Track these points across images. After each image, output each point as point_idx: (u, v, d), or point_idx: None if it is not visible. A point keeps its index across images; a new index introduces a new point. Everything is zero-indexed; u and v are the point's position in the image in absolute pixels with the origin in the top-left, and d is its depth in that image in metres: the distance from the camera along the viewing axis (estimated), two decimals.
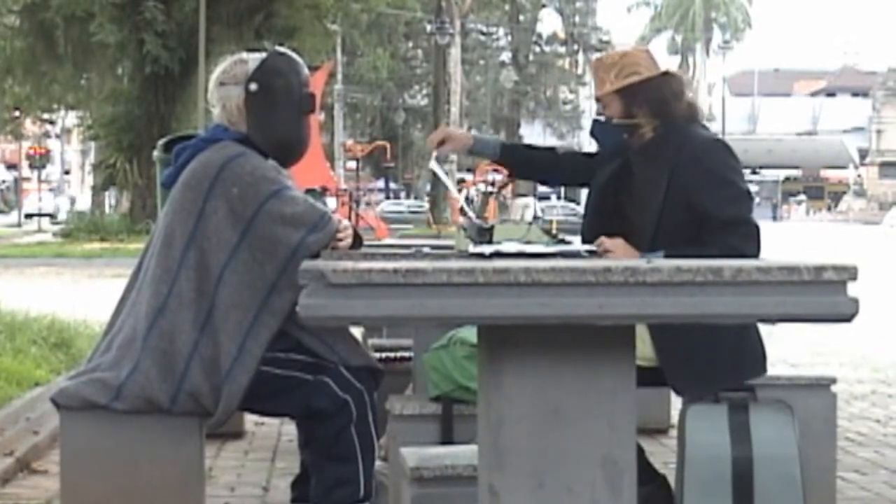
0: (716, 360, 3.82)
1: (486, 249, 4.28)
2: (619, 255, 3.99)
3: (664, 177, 3.99)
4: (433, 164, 4.75)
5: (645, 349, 3.86)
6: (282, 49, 4.01)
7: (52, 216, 54.41)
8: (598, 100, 4.18)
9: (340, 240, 3.87)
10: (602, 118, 4.17)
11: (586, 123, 69.30)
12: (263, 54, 3.95)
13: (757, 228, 3.97)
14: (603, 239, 4.06)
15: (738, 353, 3.89)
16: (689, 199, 3.94)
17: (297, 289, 3.69)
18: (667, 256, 3.78)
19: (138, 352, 3.67)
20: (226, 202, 3.75)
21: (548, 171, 4.60)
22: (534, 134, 68.34)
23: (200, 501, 3.78)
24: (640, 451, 3.95)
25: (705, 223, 3.92)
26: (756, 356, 3.97)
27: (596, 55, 4.70)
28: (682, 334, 3.75)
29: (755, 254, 3.92)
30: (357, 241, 3.96)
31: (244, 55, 3.97)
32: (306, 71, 3.98)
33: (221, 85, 3.92)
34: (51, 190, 64.26)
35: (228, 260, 3.72)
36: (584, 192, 4.54)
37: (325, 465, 3.78)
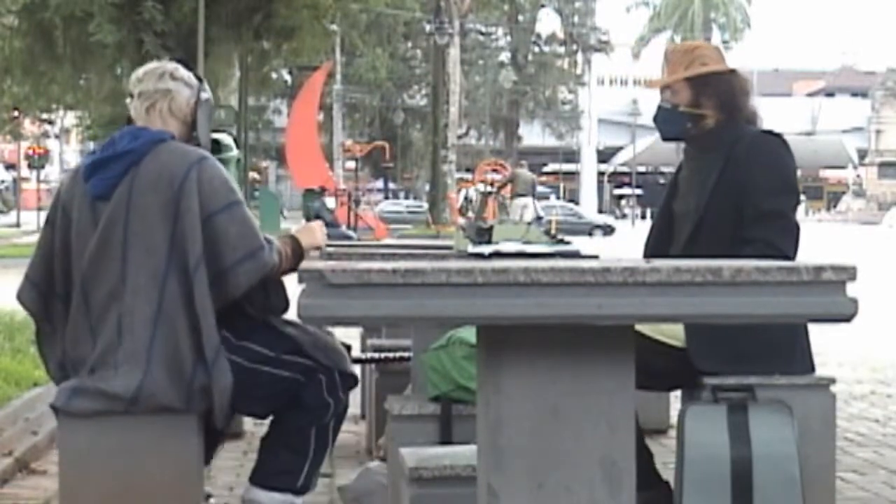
0: (742, 344, 3.84)
1: (486, 249, 4.28)
2: None
3: (715, 169, 3.99)
4: None
5: (676, 329, 3.87)
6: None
7: None
8: (663, 88, 4.17)
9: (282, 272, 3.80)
10: (667, 105, 4.16)
11: (585, 124, 69.49)
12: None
13: (796, 226, 3.97)
14: None
15: (767, 343, 3.89)
16: (739, 192, 3.95)
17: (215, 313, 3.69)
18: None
19: (145, 363, 3.64)
20: (196, 202, 3.70)
21: None
22: (533, 134, 68.32)
23: (199, 501, 3.78)
24: (650, 457, 3.96)
25: (744, 212, 3.92)
26: (782, 351, 3.97)
27: (671, 45, 4.67)
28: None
29: (791, 250, 3.92)
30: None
31: (179, 66, 3.96)
32: None
33: (174, 80, 3.90)
34: None
35: (198, 263, 3.69)
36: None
37: (278, 451, 3.90)
